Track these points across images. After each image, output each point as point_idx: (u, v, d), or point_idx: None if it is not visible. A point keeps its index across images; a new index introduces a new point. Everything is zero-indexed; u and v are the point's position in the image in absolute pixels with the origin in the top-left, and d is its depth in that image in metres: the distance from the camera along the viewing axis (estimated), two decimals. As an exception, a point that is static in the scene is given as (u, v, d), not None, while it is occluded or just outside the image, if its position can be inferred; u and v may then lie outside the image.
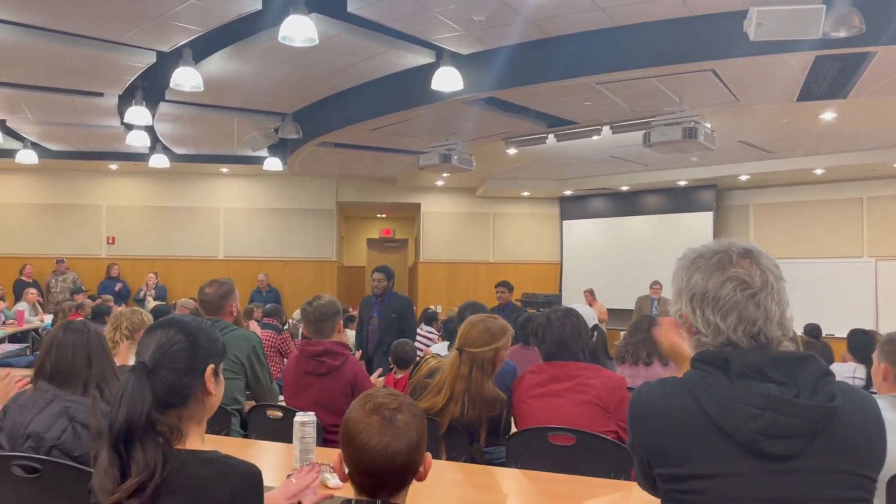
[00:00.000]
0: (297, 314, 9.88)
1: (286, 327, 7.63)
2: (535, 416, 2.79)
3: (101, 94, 8.75)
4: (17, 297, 11.22)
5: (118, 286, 12.85)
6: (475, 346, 2.93)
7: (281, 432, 2.94)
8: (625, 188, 13.23)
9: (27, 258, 12.93)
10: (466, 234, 14.60)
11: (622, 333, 5.57)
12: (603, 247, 13.84)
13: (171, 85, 6.92)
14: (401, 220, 17.23)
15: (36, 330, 9.98)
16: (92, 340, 2.33)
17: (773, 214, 12.64)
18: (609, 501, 2.29)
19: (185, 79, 6.81)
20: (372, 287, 6.84)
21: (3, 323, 10.02)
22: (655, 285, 11.58)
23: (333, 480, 2.15)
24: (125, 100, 8.71)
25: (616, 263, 13.40)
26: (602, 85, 6.95)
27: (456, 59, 6.70)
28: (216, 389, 1.68)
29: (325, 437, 2.87)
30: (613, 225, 13.82)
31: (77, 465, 2.01)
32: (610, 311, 12.04)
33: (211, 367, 1.67)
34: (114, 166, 13.26)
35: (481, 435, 2.87)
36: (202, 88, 6.98)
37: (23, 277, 12.23)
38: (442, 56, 6.73)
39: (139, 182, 13.77)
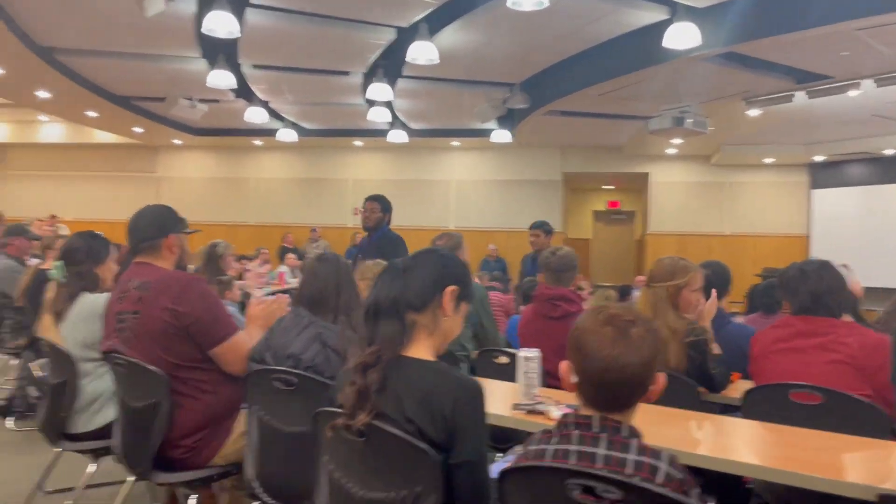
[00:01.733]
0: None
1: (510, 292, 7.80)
2: (775, 373, 2.60)
3: (347, 73, 9.46)
4: (281, 261, 12.57)
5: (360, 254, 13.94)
6: (657, 281, 2.96)
7: (507, 378, 3.02)
8: (889, 152, 11.70)
9: (288, 227, 14.42)
10: (699, 205, 13.82)
11: (881, 312, 4.96)
12: (860, 218, 12.38)
13: (408, 59, 7.28)
14: (628, 191, 16.74)
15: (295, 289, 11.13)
16: (341, 272, 2.58)
17: None
18: (864, 459, 2.06)
19: (421, 53, 7.11)
20: (362, 218, 5.67)
21: (268, 282, 11.33)
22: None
23: (556, 412, 2.17)
24: (368, 78, 9.33)
25: (876, 237, 11.93)
26: (864, 31, 6.17)
27: (692, 13, 6.32)
28: (452, 315, 1.78)
29: (549, 381, 2.89)
30: (873, 194, 12.30)
31: (327, 381, 2.22)
32: (866, 289, 10.77)
33: (453, 287, 1.78)
34: (358, 142, 14.31)
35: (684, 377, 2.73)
36: (437, 61, 7.26)
37: (284, 244, 13.66)
38: (676, 11, 6.39)
39: (379, 157, 14.75)
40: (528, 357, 2.41)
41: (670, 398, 2.11)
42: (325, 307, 2.51)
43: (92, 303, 2.98)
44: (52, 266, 3.11)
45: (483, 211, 14.41)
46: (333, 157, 14.94)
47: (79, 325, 2.99)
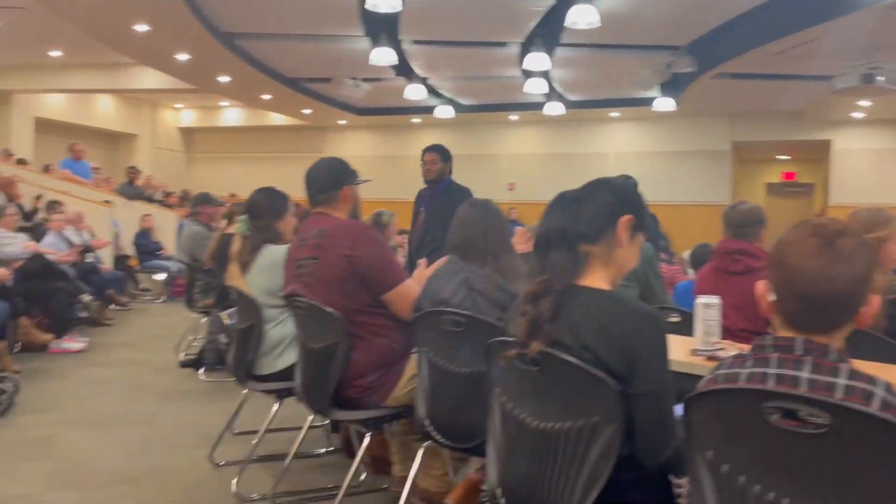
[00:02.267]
0: (685, 254, 9.60)
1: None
2: None
3: (504, 44, 9.43)
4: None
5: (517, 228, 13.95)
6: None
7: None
8: None
9: (444, 202, 14.70)
10: (889, 175, 12.57)
11: None
12: None
13: (567, 25, 7.12)
14: (806, 161, 15.52)
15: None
16: (490, 218, 2.57)
17: None
18: None
19: (582, 16, 6.93)
20: (423, 171, 5.14)
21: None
22: None
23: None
24: (525, 48, 9.25)
25: None
26: None
27: (886, -48, 5.70)
28: (628, 246, 1.72)
29: (725, 338, 2.73)
30: None
31: (495, 322, 2.23)
32: None
33: (628, 217, 1.72)
34: (514, 117, 14.29)
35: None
36: (598, 24, 7.05)
37: (441, 219, 13.97)
38: (868, -49, 5.79)
39: (535, 131, 14.64)
40: (708, 304, 2.29)
41: (868, 359, 1.93)
42: (474, 252, 2.52)
43: (273, 254, 3.18)
44: (238, 220, 3.34)
45: (644, 184, 13.73)
46: (489, 133, 15.01)
47: (262, 274, 3.20)
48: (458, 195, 4.55)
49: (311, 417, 3.07)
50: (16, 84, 13.80)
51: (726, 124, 13.34)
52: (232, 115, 17.29)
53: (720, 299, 2.34)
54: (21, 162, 11.74)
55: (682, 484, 1.62)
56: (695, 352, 2.25)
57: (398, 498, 2.50)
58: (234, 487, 3.00)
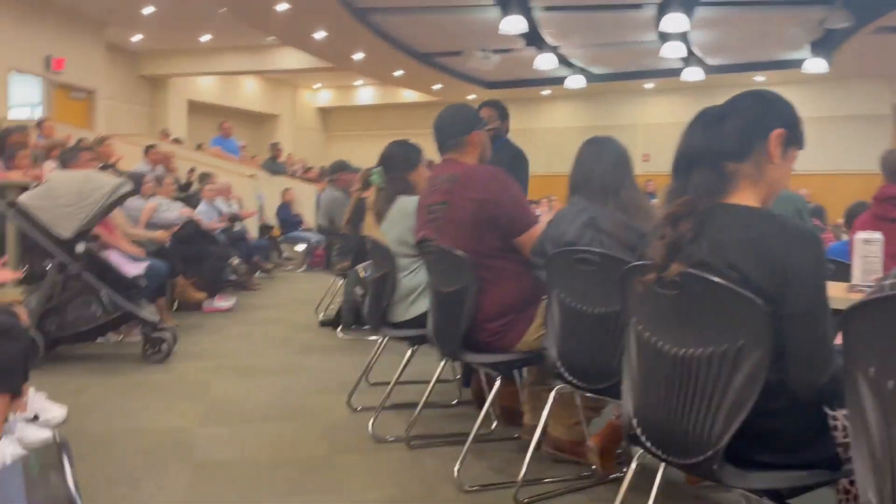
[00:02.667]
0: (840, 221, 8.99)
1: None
2: None
3: (639, 6, 9.10)
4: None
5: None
6: None
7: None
8: None
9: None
10: None
11: None
12: None
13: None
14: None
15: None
16: (608, 154, 2.49)
17: None
18: None
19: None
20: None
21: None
22: None
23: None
24: (662, 10, 8.88)
25: None
26: None
27: None
28: (780, 162, 1.61)
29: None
30: None
31: (627, 259, 2.16)
32: None
33: (780, 131, 1.61)
34: (649, 84, 13.79)
35: None
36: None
37: (571, 192, 13.75)
38: None
39: (671, 99, 14.06)
40: (868, 240, 2.12)
41: None
42: (594, 191, 2.45)
43: (406, 204, 3.24)
44: (374, 172, 3.43)
45: (792, 152, 13.06)
46: (622, 102, 14.58)
47: (395, 224, 3.28)
48: (511, 156, 4.12)
49: (443, 363, 3.13)
50: (171, 69, 14.84)
51: (886, 86, 12.24)
52: (366, 93, 17.78)
53: (881, 235, 2.15)
54: (176, 141, 12.65)
55: (837, 416, 1.51)
56: (853, 287, 2.09)
57: (528, 446, 2.49)
58: (370, 429, 3.10)
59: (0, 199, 4.16)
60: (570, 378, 2.34)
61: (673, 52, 10.15)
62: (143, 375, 4.09)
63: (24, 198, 4.21)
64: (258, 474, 2.66)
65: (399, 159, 3.40)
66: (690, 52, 11.10)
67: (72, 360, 4.38)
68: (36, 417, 3.04)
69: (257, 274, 8.61)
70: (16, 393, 2.67)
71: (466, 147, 2.85)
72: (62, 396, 3.38)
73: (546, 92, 14.99)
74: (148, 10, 11.24)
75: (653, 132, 14.35)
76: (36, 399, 3.15)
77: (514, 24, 8.78)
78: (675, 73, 11.93)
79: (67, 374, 4.02)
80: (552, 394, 2.49)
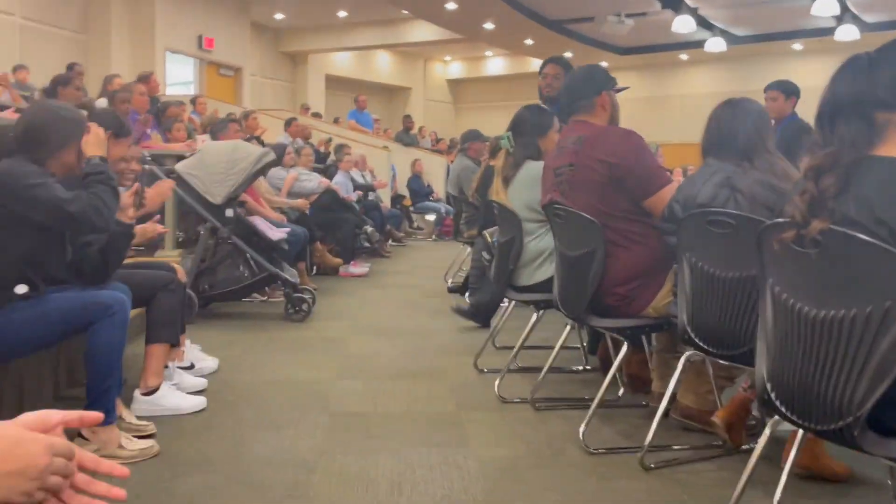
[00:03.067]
0: None
1: None
2: None
3: (788, -40, 8.50)
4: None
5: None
6: None
7: None
8: None
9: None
10: None
11: None
12: None
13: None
14: None
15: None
16: (743, 115, 2.36)
17: None
18: None
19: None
20: (541, 87, 4.25)
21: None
22: None
23: None
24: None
25: None
26: None
27: None
28: None
29: None
30: None
31: (765, 220, 2.06)
32: None
33: None
34: (797, 46, 12.89)
35: None
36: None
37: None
38: None
39: (822, 61, 13.04)
40: None
41: None
42: (728, 150, 2.35)
43: (534, 169, 3.23)
44: (503, 136, 3.45)
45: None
46: (765, 66, 13.70)
47: (523, 189, 3.29)
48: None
49: (568, 328, 3.13)
50: (310, 45, 15.43)
51: None
52: (495, 64, 17.73)
53: None
54: (315, 115, 13.18)
55: None
56: None
57: (655, 413, 2.46)
58: (496, 390, 3.16)
59: (160, 167, 4.53)
60: (700, 345, 2.28)
61: (825, 8, 9.43)
62: (285, 332, 4.35)
63: (180, 166, 4.56)
64: (390, 425, 2.79)
65: (530, 124, 3.40)
66: (845, 8, 10.26)
67: (222, 318, 4.74)
68: (191, 366, 3.33)
69: (390, 242, 8.89)
70: (174, 343, 2.93)
71: (595, 108, 2.80)
72: (214, 349, 3.68)
73: (683, 56, 14.35)
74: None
75: (803, 96, 13.43)
76: (191, 350, 3.44)
77: (649, -14, 8.46)
78: (828, 32, 11.06)
79: (218, 329, 4.35)
80: (682, 361, 2.43)
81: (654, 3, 10.04)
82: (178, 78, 13.18)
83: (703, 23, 11.71)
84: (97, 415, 0.90)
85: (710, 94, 14.60)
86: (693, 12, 10.89)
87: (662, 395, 2.58)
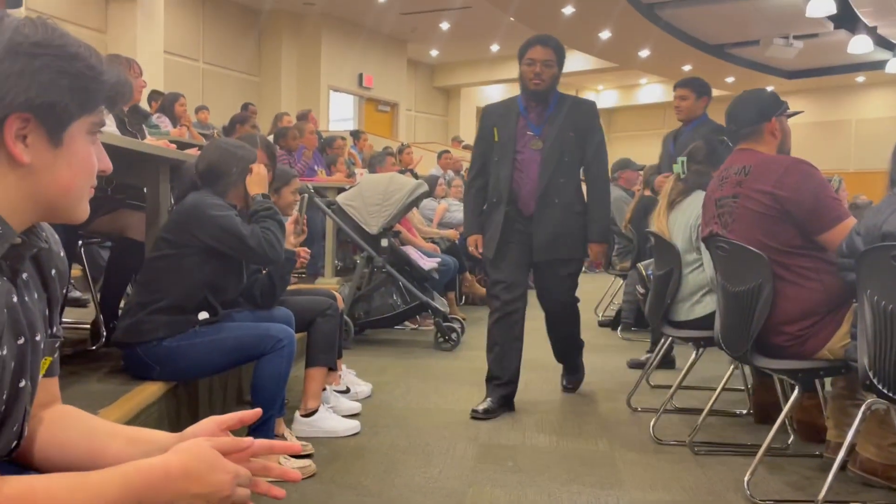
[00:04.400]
0: None
1: None
2: None
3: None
4: None
5: None
6: None
7: None
8: None
9: None
10: None
11: None
12: None
13: None
14: None
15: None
16: None
17: None
18: None
19: None
20: (527, 80, 3.36)
21: None
22: None
23: None
24: None
25: None
26: None
27: None
28: None
29: None
30: None
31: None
32: None
33: None
34: None
35: None
36: None
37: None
38: None
39: None
40: None
41: None
42: None
43: (701, 199, 3.09)
44: (677, 161, 3.33)
45: None
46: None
47: (686, 217, 3.15)
48: (582, 111, 3.39)
49: (731, 368, 2.95)
50: (463, 79, 15.83)
51: None
52: (650, 91, 17.31)
53: None
54: (466, 147, 13.44)
55: None
56: None
57: (831, 465, 2.24)
58: (651, 430, 3.02)
59: (322, 198, 4.78)
60: (885, 392, 2.07)
61: None
62: (435, 361, 4.42)
63: (340, 198, 4.80)
64: (539, 460, 2.74)
65: (705, 152, 3.26)
66: None
67: (375, 344, 4.89)
68: (347, 390, 3.45)
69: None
70: (332, 367, 3.06)
71: (764, 135, 2.64)
72: (368, 375, 3.80)
73: (860, 79, 13.32)
74: (444, 26, 12.11)
75: None
76: (347, 375, 3.57)
77: (821, 6, 7.96)
78: None
79: (372, 355, 4.49)
80: (862, 409, 2.21)
81: (826, 23, 9.41)
82: (339, 114, 13.94)
83: (883, 42, 10.83)
84: (256, 412, 0.97)
85: (891, 118, 13.43)
86: (871, 31, 10.10)
87: (840, 445, 2.35)
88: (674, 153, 4.11)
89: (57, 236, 1.02)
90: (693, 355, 3.09)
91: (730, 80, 13.66)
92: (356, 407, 3.25)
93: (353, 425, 2.98)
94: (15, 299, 0.87)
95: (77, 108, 0.87)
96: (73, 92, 0.86)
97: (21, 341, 0.88)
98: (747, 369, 3.32)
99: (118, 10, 9.89)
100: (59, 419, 1.01)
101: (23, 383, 0.89)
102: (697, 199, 3.09)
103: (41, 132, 0.85)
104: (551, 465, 2.68)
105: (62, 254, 1.03)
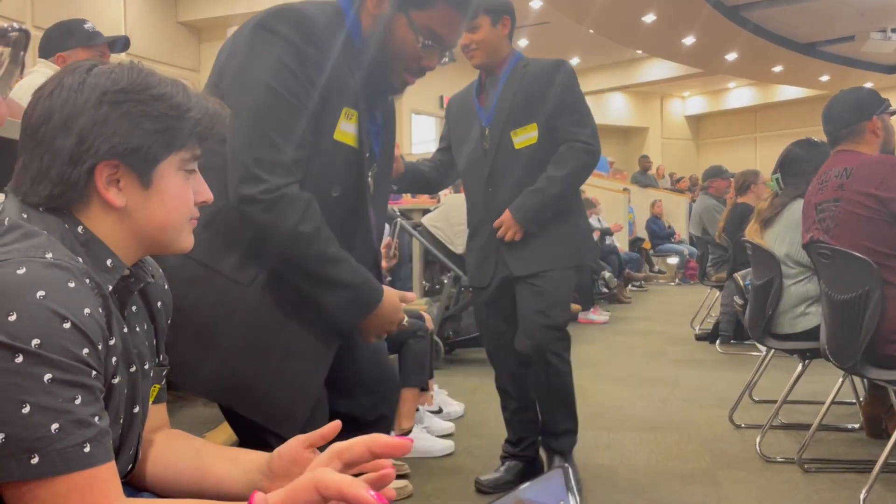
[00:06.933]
0: None
1: None
2: None
3: None
4: None
5: None
6: None
7: None
8: None
9: None
10: None
11: None
12: None
13: None
14: None
15: None
16: None
17: None
18: None
19: None
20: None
21: None
22: None
23: None
24: None
25: None
26: None
27: None
28: None
29: None
30: None
31: None
32: None
33: None
34: None
35: None
36: None
37: None
38: None
39: None
40: None
41: None
42: None
43: (799, 209, 2.96)
44: (771, 178, 3.21)
45: None
46: None
47: (788, 230, 3.02)
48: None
49: (840, 381, 2.80)
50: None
51: None
52: (739, 95, 16.77)
53: None
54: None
55: None
56: None
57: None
58: (757, 447, 2.90)
59: (407, 220, 4.85)
60: None
61: None
62: (527, 379, 4.38)
63: (425, 219, 4.85)
64: (639, 480, 2.66)
65: (802, 160, 3.12)
66: None
67: (465, 363, 4.89)
68: (440, 411, 3.47)
69: (629, 287, 8.65)
70: (423, 388, 3.08)
71: (865, 135, 2.51)
72: (459, 394, 3.80)
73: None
74: (523, 43, 12.13)
75: None
76: (439, 395, 3.58)
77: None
78: None
79: (463, 375, 4.49)
80: None
81: (930, 12, 8.90)
82: (421, 136, 14.13)
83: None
84: (336, 423, 0.95)
85: None
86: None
87: (966, 462, 2.19)
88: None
89: (161, 271, 1.07)
90: (799, 368, 2.94)
91: (824, 78, 13.07)
92: (450, 427, 3.25)
93: (447, 445, 2.98)
94: (125, 330, 0.92)
95: (162, 148, 0.90)
96: (156, 133, 0.89)
97: (133, 369, 0.93)
98: (857, 381, 3.14)
99: (210, 49, 10.40)
100: (167, 442, 1.06)
101: (136, 409, 0.94)
102: (795, 210, 2.96)
103: (132, 176, 0.89)
104: (652, 486, 2.60)
105: (166, 287, 1.08)
